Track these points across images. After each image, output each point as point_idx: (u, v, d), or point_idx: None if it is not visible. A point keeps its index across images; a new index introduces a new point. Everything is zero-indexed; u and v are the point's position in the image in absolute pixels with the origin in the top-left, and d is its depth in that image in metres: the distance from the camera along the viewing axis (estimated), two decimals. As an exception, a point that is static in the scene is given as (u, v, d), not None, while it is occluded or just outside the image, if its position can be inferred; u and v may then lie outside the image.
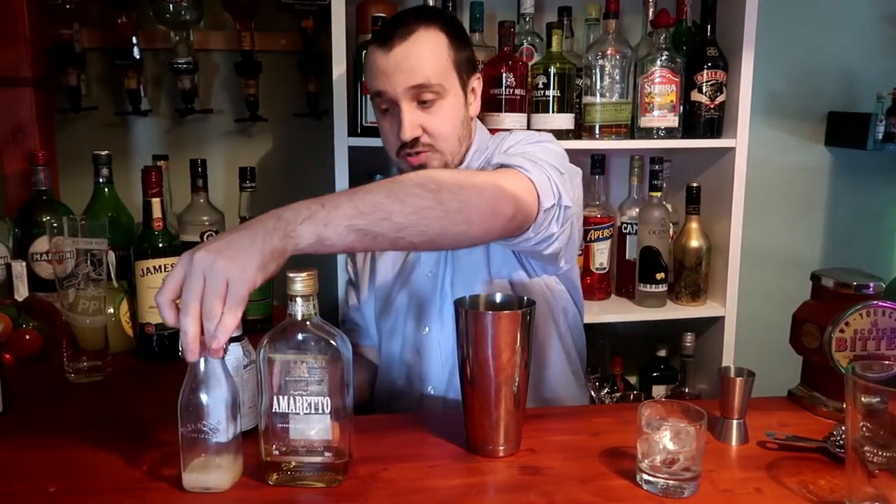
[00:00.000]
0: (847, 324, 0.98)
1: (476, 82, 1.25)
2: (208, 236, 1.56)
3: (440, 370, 1.25)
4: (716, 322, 1.84)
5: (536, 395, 1.25)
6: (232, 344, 0.88)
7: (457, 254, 1.23)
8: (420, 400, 1.27)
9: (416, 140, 1.17)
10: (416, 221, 0.87)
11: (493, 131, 1.60)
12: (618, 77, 1.68)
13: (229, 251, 0.76)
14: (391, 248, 0.95)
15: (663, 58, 1.69)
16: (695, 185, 1.79)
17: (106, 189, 1.52)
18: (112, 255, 1.30)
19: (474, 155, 1.27)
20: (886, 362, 0.86)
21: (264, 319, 1.59)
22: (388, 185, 0.89)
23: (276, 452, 0.82)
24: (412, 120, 1.16)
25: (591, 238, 1.82)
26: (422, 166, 1.18)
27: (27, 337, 1.32)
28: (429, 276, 1.26)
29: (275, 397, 0.80)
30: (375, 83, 1.18)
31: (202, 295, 0.74)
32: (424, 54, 1.15)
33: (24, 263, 1.45)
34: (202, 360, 0.79)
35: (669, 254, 1.82)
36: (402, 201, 0.86)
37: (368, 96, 1.23)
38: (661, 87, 1.70)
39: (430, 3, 1.64)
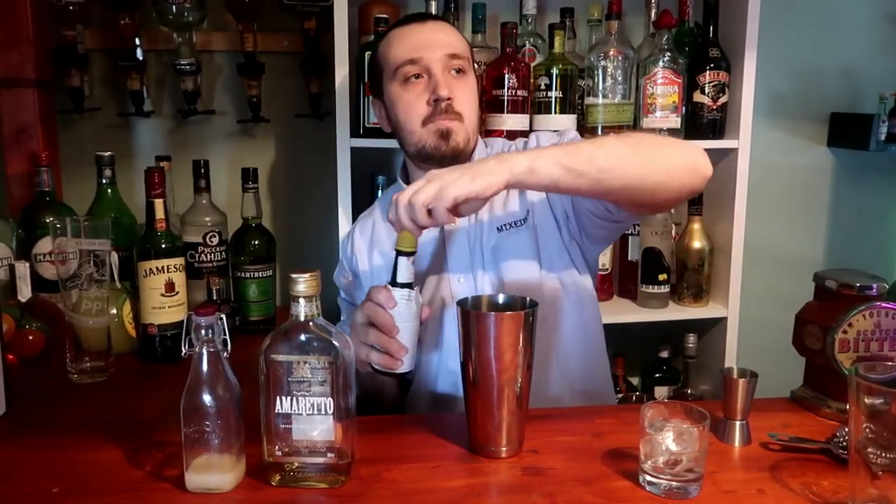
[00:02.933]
0: (850, 325, 0.98)
1: None
2: (211, 237, 1.56)
3: None
4: (718, 323, 1.84)
5: (588, 394, 1.25)
6: (404, 290, 0.98)
7: (501, 254, 1.21)
8: None
9: (448, 105, 1.17)
10: (618, 166, 0.97)
11: (495, 132, 1.62)
12: (620, 78, 1.68)
13: (452, 171, 0.94)
14: (592, 189, 1.00)
15: (665, 59, 1.69)
16: (697, 185, 1.79)
17: (109, 190, 1.52)
18: (115, 256, 1.30)
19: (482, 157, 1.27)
20: (890, 363, 0.86)
21: (267, 320, 1.60)
22: (589, 139, 1.05)
23: (279, 453, 0.82)
24: (448, 82, 1.17)
25: (593, 239, 1.82)
26: (449, 132, 1.18)
27: (30, 337, 1.33)
28: (461, 282, 1.22)
29: (277, 398, 0.80)
30: (407, 52, 1.18)
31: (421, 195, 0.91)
32: (455, 33, 1.24)
33: (27, 264, 1.46)
34: (205, 360, 0.80)
35: (672, 255, 1.82)
36: (604, 148, 0.99)
37: (390, 74, 1.21)
38: (664, 88, 1.69)
39: (433, 5, 1.64)
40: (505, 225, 1.22)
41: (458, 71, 1.20)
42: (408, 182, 1.31)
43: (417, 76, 1.19)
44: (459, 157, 1.19)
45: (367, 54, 1.57)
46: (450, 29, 1.24)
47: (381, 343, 0.99)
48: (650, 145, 1.04)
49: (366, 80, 1.59)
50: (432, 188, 0.91)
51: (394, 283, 0.98)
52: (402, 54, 1.19)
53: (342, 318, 1.36)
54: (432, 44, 1.18)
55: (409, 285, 0.98)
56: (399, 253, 0.97)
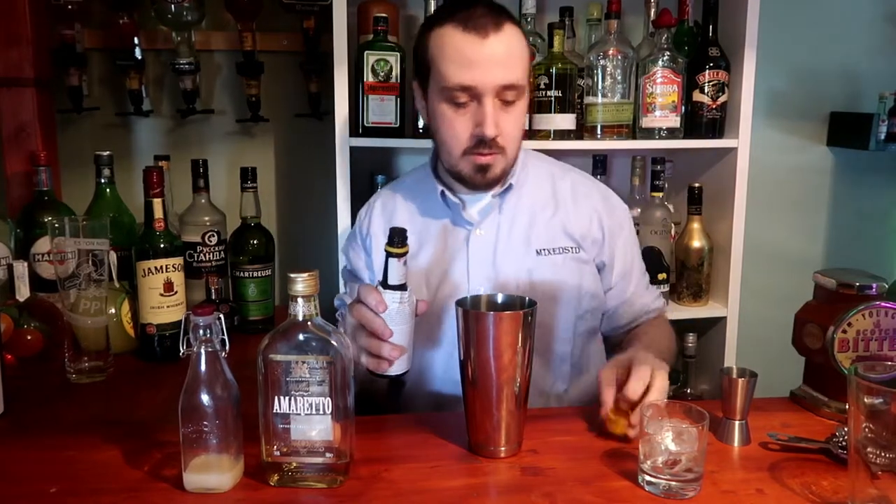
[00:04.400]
0: (850, 324, 0.97)
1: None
2: (210, 237, 1.56)
3: None
4: (718, 322, 1.84)
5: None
6: (396, 292, 0.93)
7: (535, 275, 1.21)
8: None
9: (492, 139, 1.11)
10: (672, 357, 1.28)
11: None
12: (619, 77, 1.68)
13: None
14: None
15: (665, 58, 1.69)
16: (697, 185, 1.79)
17: (107, 189, 1.52)
18: (113, 256, 1.29)
19: (520, 174, 1.23)
20: (889, 363, 0.86)
21: (266, 320, 1.60)
22: (661, 334, 1.30)
23: (277, 453, 0.82)
24: (496, 117, 1.10)
25: (592, 238, 1.82)
26: (488, 167, 1.14)
27: (29, 337, 1.33)
28: (480, 291, 1.18)
29: (276, 398, 0.80)
30: (462, 75, 1.08)
31: None
32: (515, 51, 1.11)
33: (25, 264, 1.46)
34: (203, 359, 0.80)
35: (671, 254, 1.82)
36: (671, 350, 1.29)
37: (438, 86, 1.12)
38: (663, 88, 1.69)
39: (433, 4, 1.64)
40: (544, 250, 1.21)
41: (509, 101, 1.12)
42: (436, 169, 1.26)
43: (462, 103, 1.11)
44: (494, 185, 1.18)
45: (367, 53, 1.58)
46: (512, 42, 1.10)
47: (371, 347, 0.95)
48: (673, 346, 1.32)
49: (363, 75, 1.59)
50: None
51: (385, 284, 0.93)
52: (455, 76, 1.09)
53: (343, 290, 1.36)
54: (489, 70, 1.08)
55: (401, 287, 0.93)
56: (389, 254, 0.92)
